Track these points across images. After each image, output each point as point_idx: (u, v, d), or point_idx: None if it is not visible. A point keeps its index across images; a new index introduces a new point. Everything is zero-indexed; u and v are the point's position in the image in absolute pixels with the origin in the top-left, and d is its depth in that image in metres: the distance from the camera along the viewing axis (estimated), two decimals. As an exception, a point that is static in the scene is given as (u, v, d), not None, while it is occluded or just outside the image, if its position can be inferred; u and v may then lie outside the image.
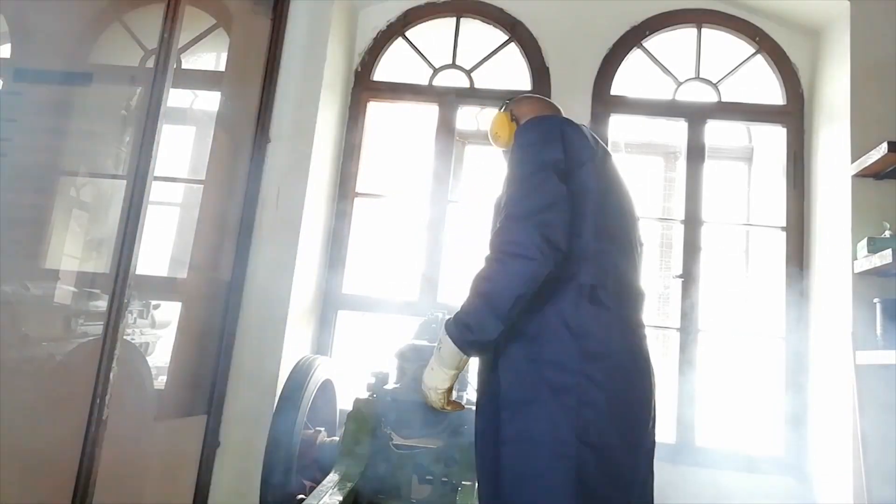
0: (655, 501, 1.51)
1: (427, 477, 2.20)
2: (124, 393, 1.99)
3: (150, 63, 2.27)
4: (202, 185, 2.86)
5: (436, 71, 3.33)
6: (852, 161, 2.60)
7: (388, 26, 3.35)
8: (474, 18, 3.34)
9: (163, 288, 2.72)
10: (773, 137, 3.39)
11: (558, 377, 1.35)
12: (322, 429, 2.55)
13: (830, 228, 2.76)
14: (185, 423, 2.62)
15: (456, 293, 3.07)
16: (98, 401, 1.79)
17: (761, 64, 3.17)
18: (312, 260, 3.03)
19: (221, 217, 2.83)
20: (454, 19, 3.36)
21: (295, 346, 2.87)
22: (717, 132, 3.50)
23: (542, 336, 1.39)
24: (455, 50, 3.34)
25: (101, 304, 2.15)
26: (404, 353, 2.30)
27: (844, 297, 2.56)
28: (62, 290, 2.20)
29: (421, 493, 2.23)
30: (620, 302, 1.45)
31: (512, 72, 3.30)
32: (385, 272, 3.55)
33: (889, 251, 2.27)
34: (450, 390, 1.45)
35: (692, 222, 3.04)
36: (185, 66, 2.97)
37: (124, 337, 1.91)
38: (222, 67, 3.19)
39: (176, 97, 2.32)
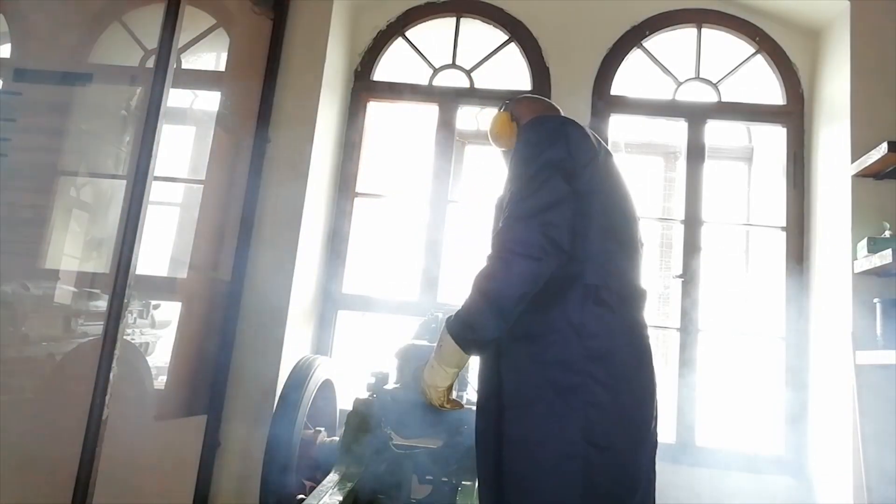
0: (656, 501, 1.51)
1: (427, 477, 2.20)
2: (124, 393, 1.99)
3: (150, 63, 2.27)
4: (202, 185, 2.86)
5: (436, 71, 3.33)
6: (852, 161, 2.60)
7: (388, 26, 3.35)
8: (474, 18, 3.34)
9: (163, 288, 2.71)
10: (773, 137, 3.40)
11: (564, 377, 1.35)
12: (322, 429, 2.55)
13: (830, 228, 2.76)
14: (185, 423, 2.62)
15: (456, 293, 3.07)
16: (98, 401, 1.78)
17: (761, 64, 3.17)
18: (312, 260, 3.04)
19: (221, 217, 2.83)
20: (454, 19, 3.36)
21: (295, 346, 2.87)
22: (717, 132, 3.50)
23: (546, 336, 1.39)
24: (455, 50, 3.34)
25: (101, 304, 2.15)
26: (404, 352, 2.30)
27: (844, 297, 2.56)
28: (62, 290, 2.20)
29: (421, 493, 2.23)
30: (624, 302, 1.45)
31: (512, 72, 3.30)
32: (385, 272, 3.55)
33: (889, 251, 2.27)
34: (450, 388, 1.45)
35: (692, 222, 3.04)
36: (185, 66, 2.97)
37: (124, 337, 1.91)
38: (222, 67, 3.19)
39: (176, 97, 2.32)
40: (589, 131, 1.56)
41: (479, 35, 3.35)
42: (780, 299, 2.95)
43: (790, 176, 3.04)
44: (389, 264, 3.59)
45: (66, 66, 2.42)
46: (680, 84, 3.21)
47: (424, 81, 3.33)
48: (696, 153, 3.12)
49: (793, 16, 3.09)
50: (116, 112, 2.55)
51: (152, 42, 2.22)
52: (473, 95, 3.31)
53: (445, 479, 2.15)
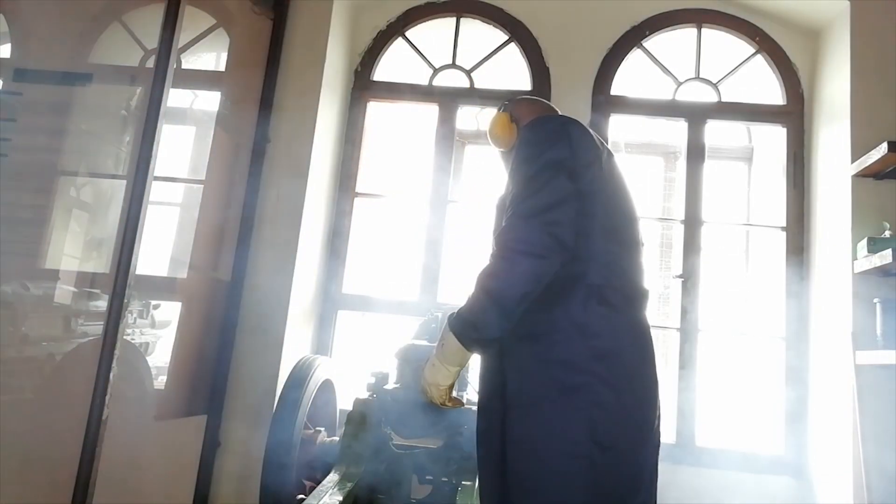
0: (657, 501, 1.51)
1: (427, 477, 2.20)
2: (124, 393, 1.99)
3: (150, 63, 2.27)
4: (202, 185, 2.86)
5: (436, 71, 3.33)
6: (852, 161, 2.60)
7: (388, 26, 3.35)
8: (474, 18, 3.34)
9: (163, 288, 2.71)
10: (773, 137, 3.40)
11: (568, 377, 1.35)
12: (322, 429, 2.55)
13: (830, 228, 2.76)
14: (185, 423, 2.62)
15: (456, 293, 3.07)
16: (98, 401, 1.78)
17: (761, 64, 3.17)
18: (312, 260, 3.04)
19: (221, 217, 2.83)
20: (454, 19, 3.36)
21: (295, 346, 2.87)
22: (717, 132, 3.50)
23: (550, 336, 1.38)
24: (455, 50, 3.34)
25: (101, 304, 2.15)
26: (404, 352, 2.30)
27: (844, 296, 2.56)
28: (62, 290, 2.20)
29: (421, 493, 2.23)
30: (628, 302, 1.45)
31: (512, 72, 3.30)
32: (385, 272, 3.55)
33: (889, 251, 2.27)
34: (451, 387, 1.45)
35: (692, 222, 3.04)
36: (185, 66, 2.97)
37: (124, 337, 1.91)
38: (222, 67, 3.19)
39: (176, 97, 2.32)
40: (591, 131, 1.56)
41: (479, 35, 3.35)
42: (780, 299, 2.95)
43: (790, 176, 3.04)
44: (389, 264, 3.59)
45: (66, 66, 2.42)
46: (680, 84, 3.21)
47: (424, 81, 3.33)
48: (696, 153, 3.12)
49: (793, 16, 3.09)
50: (116, 112, 2.55)
51: (152, 42, 2.22)
52: (473, 95, 3.30)
53: (445, 479, 2.15)
